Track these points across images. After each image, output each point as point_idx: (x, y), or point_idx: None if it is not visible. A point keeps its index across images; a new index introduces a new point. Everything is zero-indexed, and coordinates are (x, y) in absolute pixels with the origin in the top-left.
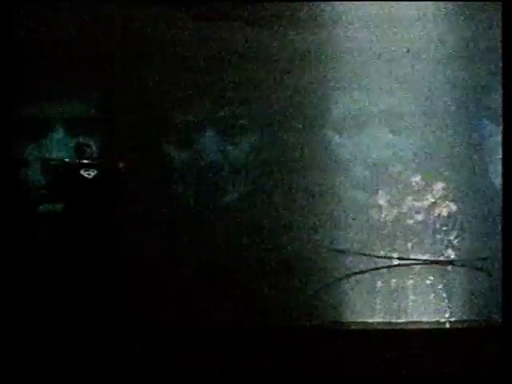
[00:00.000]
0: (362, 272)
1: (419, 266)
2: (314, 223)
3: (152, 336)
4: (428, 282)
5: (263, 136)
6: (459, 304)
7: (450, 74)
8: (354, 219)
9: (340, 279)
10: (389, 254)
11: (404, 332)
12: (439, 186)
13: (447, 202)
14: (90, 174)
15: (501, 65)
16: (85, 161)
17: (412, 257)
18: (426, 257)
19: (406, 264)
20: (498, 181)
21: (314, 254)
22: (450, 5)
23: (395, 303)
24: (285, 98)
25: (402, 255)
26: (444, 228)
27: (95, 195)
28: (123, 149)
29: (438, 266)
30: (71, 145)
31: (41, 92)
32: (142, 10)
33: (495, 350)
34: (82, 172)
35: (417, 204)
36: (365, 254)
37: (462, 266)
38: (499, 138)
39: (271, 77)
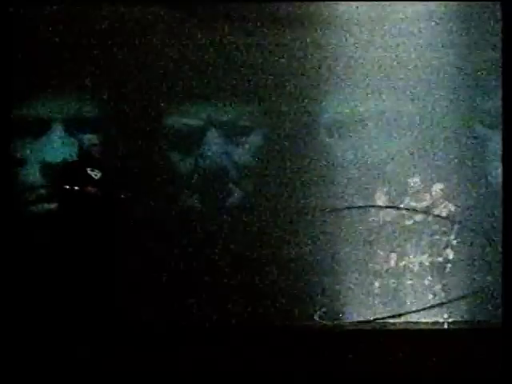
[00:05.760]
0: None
1: (418, 267)
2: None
3: (152, 336)
4: (426, 282)
5: (262, 136)
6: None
7: (448, 74)
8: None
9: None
10: (387, 255)
11: (403, 332)
12: (438, 186)
13: (446, 202)
14: (96, 175)
15: (500, 65)
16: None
17: (411, 257)
18: (424, 257)
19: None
20: (497, 181)
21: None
22: (449, 5)
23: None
24: (284, 98)
25: (400, 256)
26: (443, 228)
27: (103, 195)
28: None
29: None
30: (75, 144)
31: (41, 92)
32: (143, 10)
33: (494, 350)
34: (89, 171)
35: (415, 205)
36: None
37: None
38: (499, 138)
39: (270, 77)
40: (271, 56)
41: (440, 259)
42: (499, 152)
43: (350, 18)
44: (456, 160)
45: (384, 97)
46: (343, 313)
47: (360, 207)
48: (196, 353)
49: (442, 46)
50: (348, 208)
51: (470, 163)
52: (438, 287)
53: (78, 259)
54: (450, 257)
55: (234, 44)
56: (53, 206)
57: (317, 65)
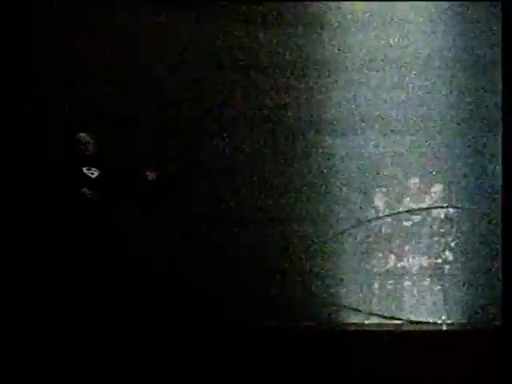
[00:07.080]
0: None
1: (417, 268)
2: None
3: (152, 336)
4: (425, 283)
5: (262, 136)
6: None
7: (448, 74)
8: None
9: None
10: (386, 256)
11: (402, 333)
12: (437, 188)
13: (445, 204)
14: (93, 174)
15: (500, 65)
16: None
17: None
18: (423, 259)
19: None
20: (497, 182)
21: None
22: (449, 5)
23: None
24: (283, 97)
25: (399, 256)
26: (442, 230)
27: (100, 195)
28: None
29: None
30: (71, 141)
31: (42, 90)
32: (145, 11)
33: (494, 351)
34: (85, 171)
35: (414, 206)
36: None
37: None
38: (498, 139)
39: (269, 77)
40: (271, 56)
41: (439, 261)
42: (499, 152)
43: (350, 18)
44: (456, 160)
45: (383, 97)
46: (342, 313)
47: None
48: (195, 353)
49: (442, 46)
50: None
51: (470, 163)
52: (436, 289)
53: (78, 259)
54: (449, 258)
55: (234, 44)
56: (52, 205)
57: (317, 65)
